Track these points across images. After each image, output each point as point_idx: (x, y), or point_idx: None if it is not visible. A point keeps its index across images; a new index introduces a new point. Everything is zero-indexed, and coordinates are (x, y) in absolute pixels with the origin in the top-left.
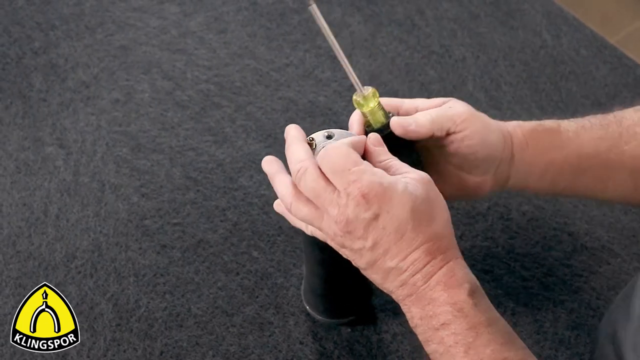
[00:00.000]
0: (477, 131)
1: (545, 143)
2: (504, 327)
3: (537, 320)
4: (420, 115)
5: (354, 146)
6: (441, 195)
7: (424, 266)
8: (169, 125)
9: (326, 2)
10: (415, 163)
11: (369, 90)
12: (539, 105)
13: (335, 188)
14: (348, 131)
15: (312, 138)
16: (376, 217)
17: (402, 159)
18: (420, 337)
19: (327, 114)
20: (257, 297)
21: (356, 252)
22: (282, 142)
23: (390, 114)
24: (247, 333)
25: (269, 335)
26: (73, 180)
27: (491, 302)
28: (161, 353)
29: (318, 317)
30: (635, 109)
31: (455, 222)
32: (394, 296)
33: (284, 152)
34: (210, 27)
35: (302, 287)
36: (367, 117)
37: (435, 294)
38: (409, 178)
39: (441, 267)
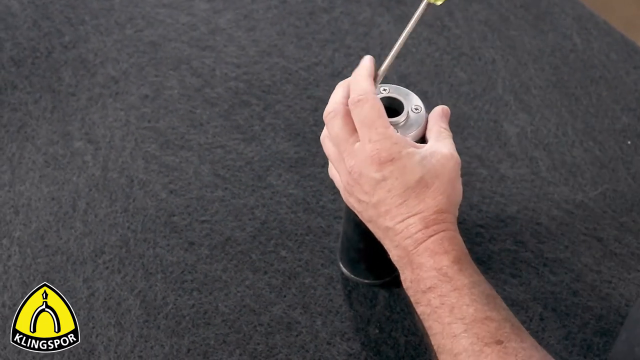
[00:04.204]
0: None
1: None
2: (488, 290)
3: (565, 326)
4: None
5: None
6: (460, 180)
7: (416, 232)
8: (197, 122)
9: (355, 2)
10: None
11: None
12: (569, 110)
13: (357, 140)
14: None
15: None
16: (385, 179)
17: None
18: (411, 299)
19: None
20: (284, 296)
21: (361, 203)
22: (310, 141)
23: None
24: (274, 332)
25: (296, 335)
26: (102, 176)
27: (519, 306)
28: (188, 350)
29: (355, 278)
30: None
31: (485, 225)
32: (391, 256)
33: (313, 151)
34: (239, 24)
35: (339, 250)
36: None
37: (422, 260)
38: (437, 152)
39: (431, 236)
